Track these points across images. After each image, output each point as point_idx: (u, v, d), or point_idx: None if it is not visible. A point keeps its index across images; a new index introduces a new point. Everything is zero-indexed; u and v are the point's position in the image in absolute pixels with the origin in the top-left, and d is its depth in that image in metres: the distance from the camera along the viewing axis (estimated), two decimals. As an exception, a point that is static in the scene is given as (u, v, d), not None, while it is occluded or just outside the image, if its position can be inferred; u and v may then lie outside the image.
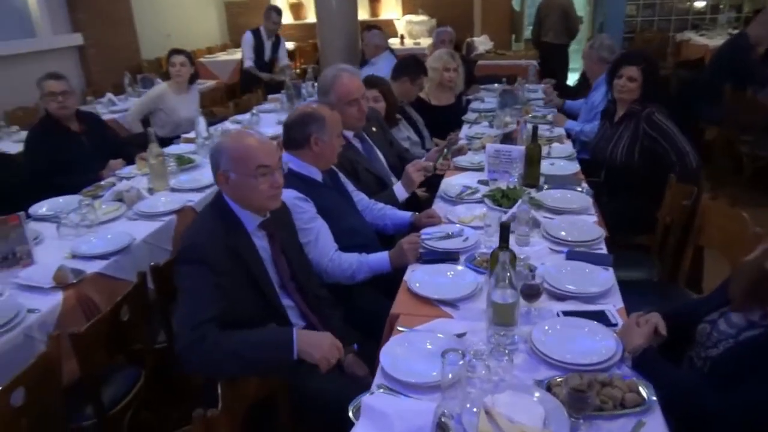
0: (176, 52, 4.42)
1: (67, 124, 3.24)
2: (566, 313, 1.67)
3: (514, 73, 5.75)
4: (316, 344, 1.59)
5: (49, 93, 3.16)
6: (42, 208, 2.67)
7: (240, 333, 1.59)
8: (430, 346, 1.51)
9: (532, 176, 2.67)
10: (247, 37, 6.57)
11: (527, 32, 9.80)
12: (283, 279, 1.86)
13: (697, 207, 2.40)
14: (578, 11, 8.19)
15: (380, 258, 2.09)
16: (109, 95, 5.49)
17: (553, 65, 6.75)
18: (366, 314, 2.08)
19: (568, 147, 3.36)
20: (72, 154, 3.14)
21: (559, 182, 2.72)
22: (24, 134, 4.12)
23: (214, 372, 1.52)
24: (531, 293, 1.66)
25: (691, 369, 1.48)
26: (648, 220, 2.74)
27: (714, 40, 7.25)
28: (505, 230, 1.59)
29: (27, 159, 3.20)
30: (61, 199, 2.74)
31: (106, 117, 4.81)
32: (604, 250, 2.09)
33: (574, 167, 2.97)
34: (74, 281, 2.01)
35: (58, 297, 1.95)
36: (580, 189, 2.64)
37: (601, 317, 1.64)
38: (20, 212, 2.17)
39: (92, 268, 2.13)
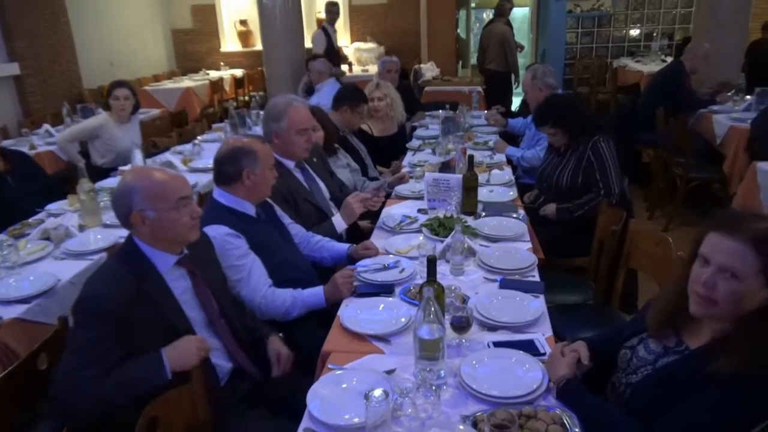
0: (119, 84, 4.32)
1: None
2: (496, 344, 1.68)
3: (458, 99, 5.87)
4: (184, 353, 1.60)
5: None
6: (-39, 249, 2.53)
7: (113, 376, 1.52)
8: (357, 386, 1.48)
9: (469, 204, 2.70)
10: (320, 35, 6.84)
11: (474, 58, 10.10)
12: (211, 317, 1.80)
13: (626, 231, 2.47)
14: (521, 40, 8.50)
15: (315, 293, 2.06)
16: (47, 126, 5.30)
17: (497, 91, 6.93)
18: (302, 348, 2.04)
19: (507, 173, 3.43)
20: None
21: (497, 209, 2.76)
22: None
23: (98, 413, 1.51)
24: (461, 325, 1.67)
25: (614, 395, 1.50)
26: (586, 243, 2.81)
27: (648, 66, 7.62)
28: (431, 264, 1.60)
29: None
30: (-18, 239, 2.61)
31: (42, 149, 4.66)
32: (536, 278, 2.12)
33: (512, 194, 3.03)
34: (-11, 328, 1.90)
35: (-29, 346, 1.84)
36: (516, 216, 2.68)
37: (530, 347, 1.66)
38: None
39: (11, 313, 2.03)
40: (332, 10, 7.70)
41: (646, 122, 4.99)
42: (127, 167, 3.66)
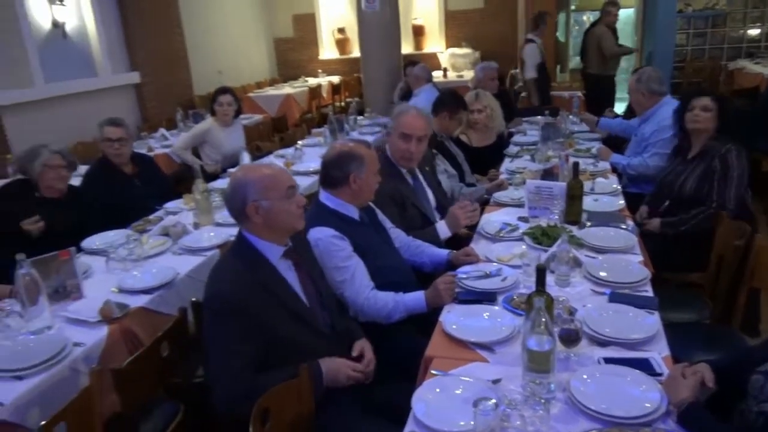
0: (222, 91, 4.60)
1: (122, 166, 3.41)
2: (608, 360, 1.61)
3: (557, 105, 5.71)
4: (336, 374, 1.74)
5: (106, 138, 3.34)
6: (94, 242, 2.78)
7: (272, 374, 1.63)
8: (463, 393, 1.47)
9: (573, 213, 2.61)
10: (532, 49, 6.36)
11: (573, 62, 9.76)
12: (314, 306, 1.88)
13: (751, 246, 2.28)
14: (625, 41, 8.09)
15: (416, 298, 2.07)
16: (162, 130, 5.73)
17: (598, 96, 6.65)
18: (401, 352, 2.05)
19: (612, 182, 3.28)
20: (124, 196, 3.29)
21: (603, 219, 2.65)
22: (82, 169, 4.35)
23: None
24: (570, 338, 1.61)
25: (742, 424, 1.39)
26: (698, 257, 2.63)
27: (770, 68, 7.02)
28: (541, 273, 1.56)
29: (84, 197, 3.36)
30: (111, 233, 2.85)
31: (158, 151, 5.03)
32: (649, 293, 2.01)
33: (619, 203, 2.89)
34: (119, 316, 2.07)
35: (103, 331, 2.01)
36: (624, 227, 2.56)
37: (645, 365, 1.57)
38: (71, 247, 2.27)
39: (136, 302, 2.20)
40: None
41: (767, 128, 4.59)
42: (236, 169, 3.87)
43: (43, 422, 1.49)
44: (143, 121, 7.00)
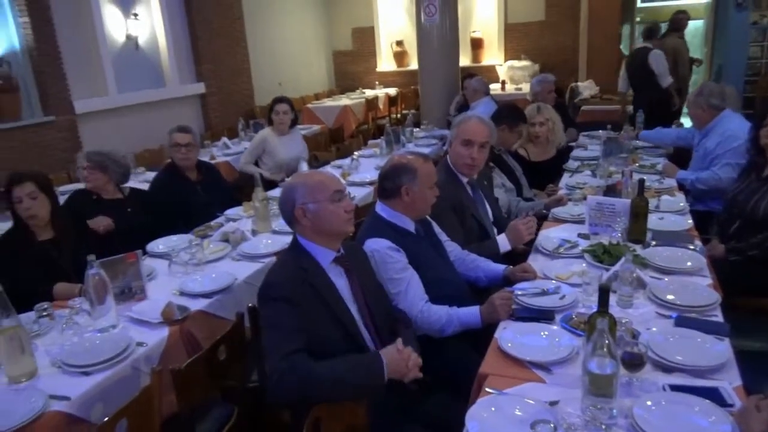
0: (279, 100, 4.70)
1: (187, 173, 3.54)
2: (673, 388, 1.52)
3: (620, 119, 5.54)
4: (398, 363, 1.69)
5: (175, 144, 3.49)
6: (158, 245, 2.89)
7: (328, 362, 1.65)
8: (519, 413, 1.43)
9: (637, 232, 2.51)
10: (657, 56, 6.07)
11: (637, 76, 9.42)
12: (364, 317, 1.88)
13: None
14: (695, 53, 7.78)
15: (471, 312, 2.04)
16: (224, 139, 5.92)
17: (664, 110, 6.39)
18: (453, 367, 2.03)
19: (679, 200, 3.14)
20: (188, 201, 3.43)
21: (669, 239, 2.53)
22: (149, 175, 4.55)
23: (304, 399, 1.59)
24: (634, 362, 1.54)
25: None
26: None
27: None
28: (604, 293, 1.50)
29: (151, 201, 3.51)
30: (174, 237, 2.96)
31: (220, 160, 5.20)
32: (719, 318, 1.90)
33: (686, 223, 2.76)
34: (179, 318, 2.13)
35: (164, 332, 2.07)
36: (692, 247, 2.44)
37: (714, 395, 1.48)
38: (138, 250, 2.37)
39: (196, 305, 2.26)
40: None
41: None
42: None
43: (106, 418, 1.55)
44: (206, 130, 7.26)
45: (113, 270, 2.22)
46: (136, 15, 6.61)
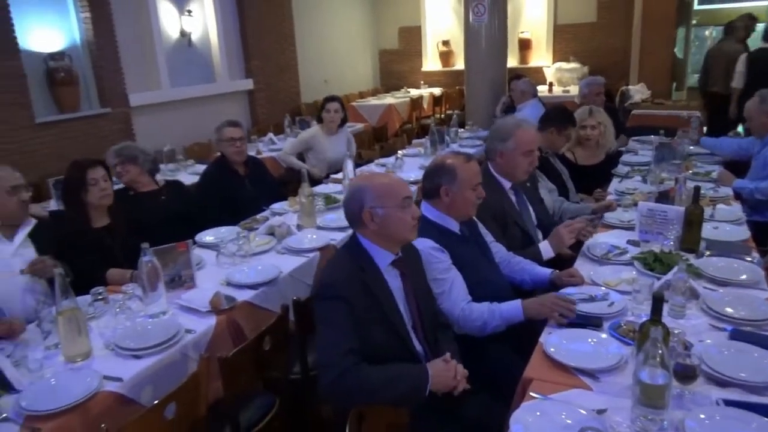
0: (331, 99, 4.75)
1: (236, 167, 3.61)
2: (728, 403, 1.47)
3: (671, 124, 5.37)
4: (444, 378, 1.69)
5: (229, 138, 3.55)
6: (207, 236, 2.96)
7: (378, 367, 1.66)
8: (566, 420, 1.41)
9: (691, 240, 2.43)
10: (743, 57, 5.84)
11: (691, 80, 9.17)
12: (414, 320, 1.88)
13: None
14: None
15: (513, 306, 2.01)
16: (270, 135, 6.02)
17: (720, 117, 6.17)
18: (494, 368, 2.02)
19: (736, 209, 3.02)
20: (236, 195, 3.50)
21: (724, 249, 2.44)
22: (197, 167, 4.67)
23: (351, 402, 1.58)
24: (686, 374, 1.49)
25: None
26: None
27: None
28: (658, 302, 1.46)
29: (199, 193, 3.60)
30: (223, 229, 3.03)
31: (266, 155, 5.29)
32: (777, 333, 1.82)
33: (743, 233, 2.66)
34: (227, 307, 2.18)
35: (212, 321, 2.13)
36: (749, 259, 2.35)
37: (772, 413, 1.42)
38: (189, 240, 2.43)
39: (242, 296, 2.31)
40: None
41: None
42: (339, 175, 3.99)
43: (156, 401, 1.61)
44: (253, 126, 7.39)
45: (164, 258, 2.29)
46: (190, 12, 6.79)
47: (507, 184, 2.73)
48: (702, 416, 1.39)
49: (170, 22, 6.60)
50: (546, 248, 2.55)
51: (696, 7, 9.74)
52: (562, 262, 2.65)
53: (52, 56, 5.33)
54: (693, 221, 2.43)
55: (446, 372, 1.70)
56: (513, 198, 2.76)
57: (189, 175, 4.57)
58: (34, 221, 2.52)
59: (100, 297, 2.19)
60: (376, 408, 1.57)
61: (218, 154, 3.75)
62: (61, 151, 5.25)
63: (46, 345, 1.95)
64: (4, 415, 1.59)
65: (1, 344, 1.94)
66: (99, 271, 2.52)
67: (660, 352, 1.33)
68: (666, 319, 1.88)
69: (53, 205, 3.76)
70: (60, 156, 5.16)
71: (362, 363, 1.66)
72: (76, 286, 2.05)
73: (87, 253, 2.56)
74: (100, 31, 5.62)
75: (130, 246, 2.38)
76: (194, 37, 6.94)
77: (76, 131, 5.48)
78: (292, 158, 4.87)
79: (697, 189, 2.47)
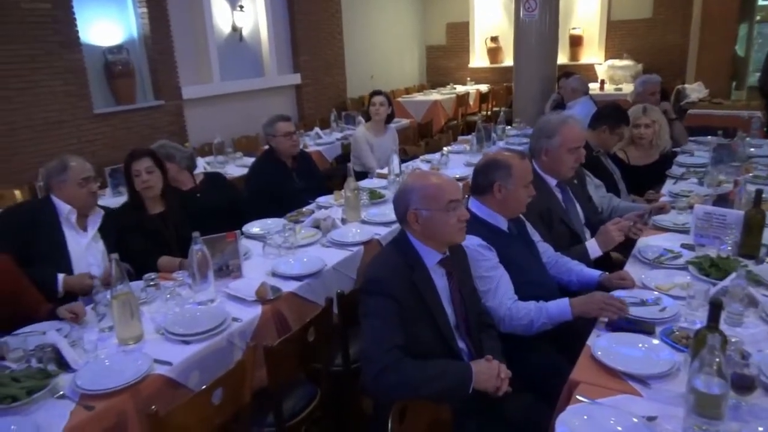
0: (377, 93, 4.76)
1: (285, 160, 3.66)
2: (789, 417, 1.40)
3: (732, 125, 5.15)
4: (488, 376, 1.68)
5: (285, 133, 3.61)
6: (254, 227, 3.02)
7: (422, 363, 1.66)
8: (615, 425, 1.37)
9: (751, 246, 2.32)
10: None
11: (752, 79, 8.77)
12: (458, 319, 1.86)
13: None
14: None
15: (560, 305, 1.97)
16: (317, 129, 6.08)
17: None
18: (538, 369, 1.98)
19: (800, 215, 2.87)
20: (284, 187, 3.55)
21: (787, 256, 2.33)
22: (245, 160, 4.76)
23: (394, 396, 1.58)
24: (744, 385, 1.43)
25: None
26: None
27: None
28: (716, 309, 1.40)
29: (249, 185, 3.67)
30: (269, 221, 3.07)
31: (312, 149, 5.34)
32: None
33: (809, 241, 2.53)
34: (272, 298, 2.22)
35: (258, 310, 2.16)
36: (814, 267, 2.23)
37: (838, 430, 1.35)
38: (237, 230, 2.48)
39: (288, 287, 2.34)
40: None
41: None
42: (384, 170, 3.99)
43: (204, 386, 1.65)
44: (300, 120, 7.49)
45: (213, 247, 2.34)
46: (242, 7, 6.91)
47: (552, 182, 2.67)
48: (761, 429, 1.33)
49: (222, 18, 6.74)
50: (593, 246, 2.48)
51: (761, 2, 9.29)
52: (611, 266, 2.58)
53: (111, 50, 5.54)
54: (753, 226, 2.32)
55: (490, 371, 1.69)
56: (559, 196, 2.70)
57: (237, 167, 4.66)
58: (102, 212, 2.63)
59: (152, 283, 2.26)
60: (419, 405, 1.56)
61: (266, 147, 3.81)
62: (117, 141, 5.45)
63: (101, 327, 2.02)
64: (61, 392, 1.66)
65: (58, 324, 2.02)
66: (151, 258, 2.60)
67: (717, 360, 1.27)
68: (722, 326, 1.81)
69: (109, 193, 3.90)
70: (115, 146, 5.36)
71: (405, 358, 1.65)
72: (129, 273, 2.12)
73: (142, 239, 2.65)
74: (156, 26, 5.79)
75: (181, 235, 2.45)
76: (245, 32, 7.07)
77: (132, 122, 5.67)
78: (365, 159, 4.68)
79: (759, 192, 2.36)
